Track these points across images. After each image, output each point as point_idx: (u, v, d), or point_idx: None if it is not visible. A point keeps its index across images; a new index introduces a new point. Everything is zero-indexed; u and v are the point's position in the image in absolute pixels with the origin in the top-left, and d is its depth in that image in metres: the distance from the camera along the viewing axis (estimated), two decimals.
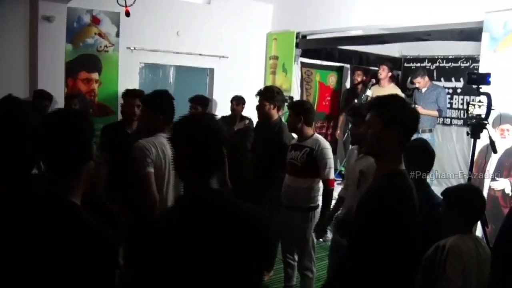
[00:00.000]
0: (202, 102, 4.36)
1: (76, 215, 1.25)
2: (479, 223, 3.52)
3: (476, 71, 3.85)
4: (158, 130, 2.72)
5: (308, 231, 3.24)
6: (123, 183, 3.40)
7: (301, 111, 3.27)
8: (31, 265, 1.17)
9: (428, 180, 5.50)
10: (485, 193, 3.88)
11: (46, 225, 1.20)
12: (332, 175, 3.16)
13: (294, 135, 3.41)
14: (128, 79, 4.94)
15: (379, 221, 1.57)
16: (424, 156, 2.41)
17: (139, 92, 3.61)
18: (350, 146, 3.22)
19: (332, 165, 3.19)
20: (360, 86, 6.04)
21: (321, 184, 3.24)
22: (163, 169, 2.68)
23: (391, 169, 1.69)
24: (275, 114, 3.63)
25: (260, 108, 3.63)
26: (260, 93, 3.63)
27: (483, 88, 3.00)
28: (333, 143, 6.51)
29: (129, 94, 3.55)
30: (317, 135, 3.33)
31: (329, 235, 4.70)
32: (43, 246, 1.17)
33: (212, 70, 5.77)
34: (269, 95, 3.59)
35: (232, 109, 4.80)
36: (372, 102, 1.79)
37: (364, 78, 6.08)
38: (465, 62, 6.37)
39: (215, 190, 1.34)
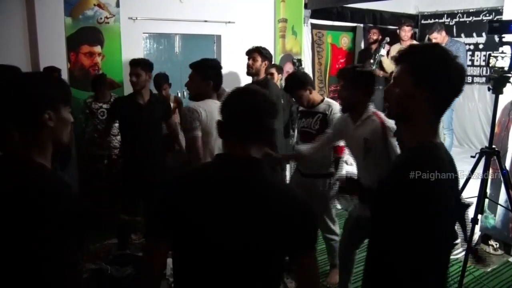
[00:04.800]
0: None
1: (34, 171, 1.24)
2: (503, 188, 3.33)
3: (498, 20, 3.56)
4: (206, 96, 2.78)
5: (331, 197, 3.21)
6: (138, 154, 3.52)
7: (305, 84, 3.14)
8: None
9: (449, 141, 5.36)
10: (509, 153, 3.67)
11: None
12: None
13: None
14: (132, 50, 4.78)
15: (405, 207, 1.28)
16: None
17: (140, 60, 3.58)
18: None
19: None
20: (374, 46, 5.75)
21: None
22: (212, 133, 2.67)
23: (422, 140, 1.36)
24: (262, 71, 3.81)
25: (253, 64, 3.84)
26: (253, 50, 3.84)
27: (507, 38, 2.74)
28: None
29: (131, 63, 3.55)
30: (328, 100, 3.22)
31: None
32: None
33: (219, 37, 5.55)
34: (263, 52, 3.80)
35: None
36: (403, 51, 1.41)
37: (380, 37, 5.77)
38: (487, 15, 6.02)
39: (257, 159, 1.30)
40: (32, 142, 1.27)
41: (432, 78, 1.31)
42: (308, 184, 3.23)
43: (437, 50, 1.37)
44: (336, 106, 3.10)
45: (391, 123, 2.53)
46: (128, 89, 4.07)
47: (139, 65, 3.48)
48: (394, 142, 2.44)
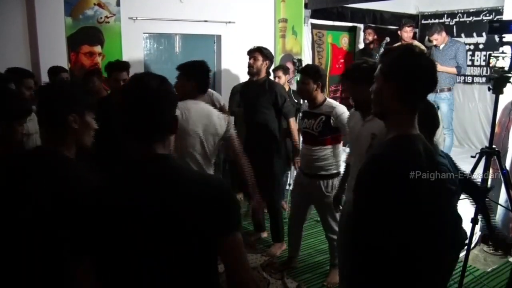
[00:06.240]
0: None
1: (60, 165, 1.43)
2: (503, 188, 3.33)
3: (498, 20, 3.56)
4: (190, 96, 2.72)
5: (331, 198, 3.19)
6: (111, 154, 3.40)
7: (318, 77, 3.14)
8: (15, 216, 1.37)
9: (449, 141, 5.35)
10: (509, 153, 3.67)
11: (33, 175, 1.41)
12: None
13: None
14: (132, 50, 4.80)
15: (379, 195, 1.37)
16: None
17: (124, 64, 3.43)
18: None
19: None
20: (372, 46, 5.74)
21: (341, 149, 3.22)
22: (187, 132, 2.62)
23: (398, 133, 1.46)
24: (263, 71, 3.73)
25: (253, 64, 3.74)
26: (254, 50, 3.76)
27: (507, 38, 2.74)
28: (348, 107, 6.29)
29: (114, 68, 3.37)
30: (329, 100, 3.23)
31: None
32: (30, 195, 1.37)
33: (219, 36, 5.55)
34: (264, 52, 3.71)
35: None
36: (381, 55, 1.61)
37: (376, 37, 5.77)
38: (487, 15, 6.01)
39: (160, 155, 1.24)
40: (58, 140, 1.47)
41: (397, 73, 1.45)
42: (310, 184, 3.25)
43: (403, 49, 1.59)
44: (339, 108, 3.10)
45: None
46: None
47: (125, 69, 3.35)
48: None
